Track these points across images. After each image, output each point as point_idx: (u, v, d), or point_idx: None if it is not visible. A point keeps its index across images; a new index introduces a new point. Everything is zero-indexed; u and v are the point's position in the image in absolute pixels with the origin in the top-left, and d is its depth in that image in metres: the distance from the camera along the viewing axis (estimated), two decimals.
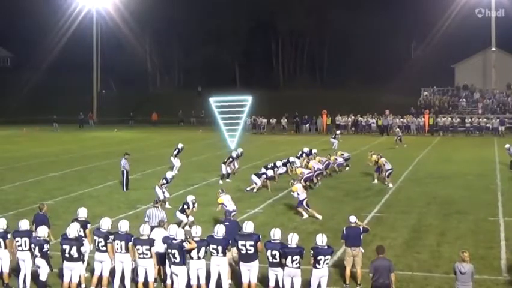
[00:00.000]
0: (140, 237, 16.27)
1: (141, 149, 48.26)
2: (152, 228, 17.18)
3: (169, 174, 27.72)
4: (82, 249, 16.06)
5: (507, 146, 37.86)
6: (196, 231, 15.99)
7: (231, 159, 34.82)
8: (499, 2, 69.31)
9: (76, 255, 15.91)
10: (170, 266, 15.91)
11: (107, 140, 58.35)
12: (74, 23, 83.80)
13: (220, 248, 15.94)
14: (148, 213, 19.42)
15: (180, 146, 36.90)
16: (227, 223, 16.94)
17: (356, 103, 73.57)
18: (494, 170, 37.46)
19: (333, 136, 49.00)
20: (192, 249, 15.67)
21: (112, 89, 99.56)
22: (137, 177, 35.13)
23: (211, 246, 15.97)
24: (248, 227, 16.22)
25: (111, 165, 39.49)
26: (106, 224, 16.75)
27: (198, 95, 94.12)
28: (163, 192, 26.29)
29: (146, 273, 16.19)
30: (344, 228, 17.15)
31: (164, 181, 26.82)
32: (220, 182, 33.01)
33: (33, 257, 16.29)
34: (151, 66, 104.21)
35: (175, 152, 36.63)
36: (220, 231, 16.09)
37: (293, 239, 15.45)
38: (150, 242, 16.14)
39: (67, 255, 15.94)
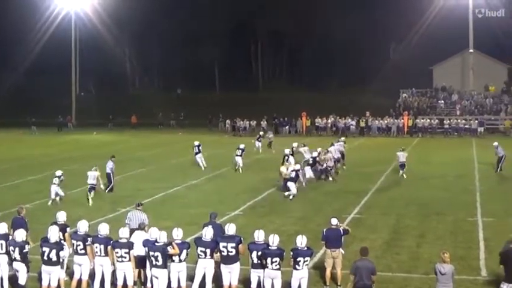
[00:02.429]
0: (119, 240, 16.20)
1: (120, 152, 47.94)
2: (132, 230, 17.13)
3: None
4: (61, 253, 15.94)
5: (495, 144, 37.86)
6: (178, 234, 15.94)
7: (241, 151, 37.13)
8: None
9: (54, 258, 15.79)
10: (150, 269, 15.84)
11: (86, 143, 58.09)
12: (52, 25, 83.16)
13: (208, 250, 15.92)
14: (130, 215, 19.32)
15: (197, 143, 38.41)
16: (211, 225, 16.88)
17: (335, 105, 73.72)
18: (472, 170, 37.68)
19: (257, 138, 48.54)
20: (175, 254, 15.64)
21: (90, 91, 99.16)
22: (116, 179, 34.97)
23: (199, 248, 15.94)
24: (230, 229, 16.20)
25: (89, 168, 39.22)
26: (83, 226, 16.61)
27: (178, 97, 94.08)
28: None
29: (125, 276, 16.11)
30: (324, 230, 17.14)
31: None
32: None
33: (10, 260, 16.16)
34: (130, 69, 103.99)
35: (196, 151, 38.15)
36: (208, 233, 16.06)
37: (274, 240, 15.44)
38: (129, 245, 16.07)
39: (45, 258, 15.84)
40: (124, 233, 16.27)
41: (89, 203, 28.18)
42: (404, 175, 34.84)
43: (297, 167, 31.02)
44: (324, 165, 33.70)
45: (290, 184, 29.29)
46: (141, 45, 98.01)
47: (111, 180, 31.38)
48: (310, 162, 33.53)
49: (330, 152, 35.41)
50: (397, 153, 35.93)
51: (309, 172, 32.55)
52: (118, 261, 16.07)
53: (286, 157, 34.44)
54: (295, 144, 37.78)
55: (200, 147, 39.41)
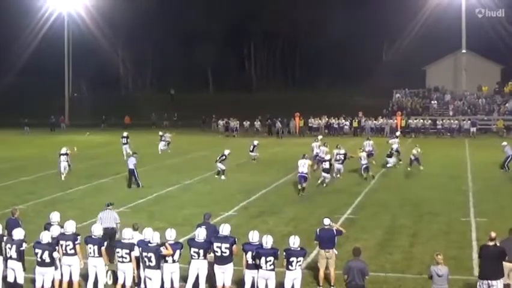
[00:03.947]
0: (122, 241, 16.20)
1: (113, 153, 47.97)
2: (105, 230, 17.28)
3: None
4: (55, 254, 15.91)
5: (504, 143, 38.08)
6: (171, 235, 15.94)
7: (223, 157, 35.15)
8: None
9: (48, 259, 15.77)
10: (144, 270, 15.83)
11: (79, 144, 57.57)
12: (45, 26, 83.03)
13: (201, 251, 15.91)
14: (101, 215, 19.21)
15: (227, 152, 35.68)
16: (205, 226, 16.87)
17: (328, 105, 73.79)
18: (465, 171, 37.76)
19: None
20: (168, 255, 15.63)
21: (83, 92, 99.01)
22: (109, 181, 35.01)
23: (192, 249, 15.93)
24: (224, 230, 16.17)
25: (83, 168, 39.27)
26: (70, 227, 16.51)
27: (171, 98, 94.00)
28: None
29: (124, 277, 16.11)
30: (317, 230, 17.16)
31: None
32: (217, 176, 34.83)
33: (5, 261, 16.12)
34: (123, 70, 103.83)
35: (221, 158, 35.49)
36: (201, 234, 16.05)
37: (268, 241, 15.45)
38: (130, 246, 16.05)
39: (39, 259, 15.81)
40: (126, 233, 16.24)
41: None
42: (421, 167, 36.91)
43: (328, 157, 33.00)
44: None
45: (325, 175, 31.84)
46: (134, 46, 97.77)
47: (135, 175, 32.33)
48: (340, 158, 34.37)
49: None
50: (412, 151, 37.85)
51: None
52: (118, 261, 16.09)
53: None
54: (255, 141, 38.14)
55: (128, 139, 44.10)
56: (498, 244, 15.34)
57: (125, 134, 46.94)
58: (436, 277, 14.42)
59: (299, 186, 29.98)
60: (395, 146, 39.58)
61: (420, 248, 20.49)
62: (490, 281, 14.93)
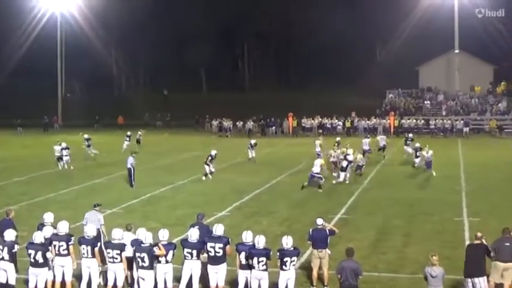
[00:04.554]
0: (112, 241, 16.17)
1: (106, 154, 47.90)
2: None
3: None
4: (48, 254, 15.87)
5: None
6: (164, 235, 15.92)
7: (210, 158, 34.93)
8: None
9: (41, 260, 15.73)
10: (137, 270, 15.79)
11: (72, 144, 57.73)
12: (38, 26, 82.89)
13: (194, 251, 15.88)
14: (86, 215, 19.15)
15: (213, 152, 35.45)
16: (198, 227, 16.85)
17: (321, 105, 73.85)
18: (458, 171, 37.83)
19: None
20: (161, 255, 15.62)
21: (77, 92, 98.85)
22: (102, 181, 34.96)
23: (186, 250, 15.90)
24: (218, 230, 16.14)
25: (76, 169, 39.24)
26: (63, 227, 16.45)
27: (164, 98, 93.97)
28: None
29: (115, 277, 16.07)
30: (311, 230, 17.15)
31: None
32: (204, 178, 34.45)
33: None
34: (116, 70, 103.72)
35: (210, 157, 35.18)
36: (194, 234, 16.02)
37: (260, 241, 15.44)
38: (121, 247, 16.01)
39: (32, 260, 15.76)
40: (116, 234, 16.21)
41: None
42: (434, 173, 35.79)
43: (350, 157, 32.99)
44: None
45: (341, 174, 32.49)
46: (127, 46, 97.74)
47: (131, 175, 32.52)
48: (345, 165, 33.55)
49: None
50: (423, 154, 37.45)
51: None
52: (109, 262, 16.02)
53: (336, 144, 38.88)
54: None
55: (90, 141, 45.57)
56: (485, 242, 15.56)
57: (128, 133, 50.33)
58: (430, 278, 14.45)
59: (305, 183, 30.99)
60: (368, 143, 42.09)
61: (413, 248, 20.52)
62: (473, 279, 15.08)
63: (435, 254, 14.82)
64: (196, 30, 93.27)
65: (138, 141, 50.12)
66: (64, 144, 40.11)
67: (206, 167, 34.81)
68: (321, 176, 31.13)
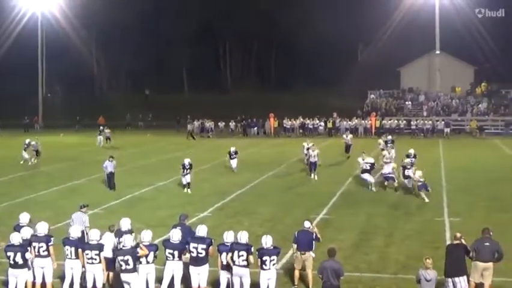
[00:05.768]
0: (90, 242, 16.06)
1: (87, 154, 47.72)
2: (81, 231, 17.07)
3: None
4: (27, 255, 15.74)
5: None
6: (146, 236, 15.85)
7: (183, 169, 31.46)
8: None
9: (20, 261, 15.61)
10: (120, 275, 15.68)
11: (53, 145, 57.46)
12: (18, 26, 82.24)
13: (176, 252, 15.85)
14: (73, 216, 19.09)
15: (187, 161, 31.66)
16: (180, 227, 16.79)
17: (303, 106, 73.98)
18: (439, 171, 37.96)
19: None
20: (144, 256, 15.54)
21: (57, 92, 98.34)
22: (83, 182, 34.78)
23: (167, 250, 15.86)
24: (201, 231, 16.10)
25: (57, 170, 39.02)
26: (42, 228, 16.36)
27: (146, 98, 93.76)
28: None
29: (94, 278, 15.97)
30: (296, 232, 17.12)
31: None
32: (184, 191, 31.28)
33: None
34: (97, 70, 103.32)
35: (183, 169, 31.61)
36: (175, 235, 15.98)
37: (242, 237, 15.50)
38: (99, 247, 15.92)
39: (11, 262, 15.65)
40: (94, 235, 16.11)
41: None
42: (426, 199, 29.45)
43: (372, 160, 32.24)
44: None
45: (366, 176, 31.31)
46: (109, 47, 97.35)
47: (111, 179, 31.75)
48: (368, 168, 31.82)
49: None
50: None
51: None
52: (88, 263, 15.89)
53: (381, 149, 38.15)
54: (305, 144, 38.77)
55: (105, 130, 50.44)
56: (464, 242, 15.69)
57: (101, 128, 55.61)
58: (424, 282, 14.53)
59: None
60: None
61: (395, 248, 20.58)
62: (454, 279, 15.17)
63: (429, 257, 14.94)
64: (177, 31, 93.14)
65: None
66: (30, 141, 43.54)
67: (182, 179, 31.62)
68: (393, 176, 31.07)
